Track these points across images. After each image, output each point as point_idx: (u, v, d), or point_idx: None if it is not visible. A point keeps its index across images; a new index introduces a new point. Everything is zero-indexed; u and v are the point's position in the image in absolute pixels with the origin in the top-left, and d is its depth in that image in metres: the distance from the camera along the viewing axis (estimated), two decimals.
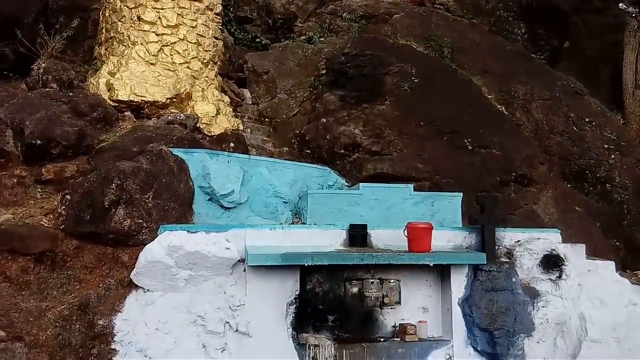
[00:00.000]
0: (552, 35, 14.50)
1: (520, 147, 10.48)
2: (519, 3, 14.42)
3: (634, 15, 12.74)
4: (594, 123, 11.47)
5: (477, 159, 10.07)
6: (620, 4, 13.02)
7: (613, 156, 10.91)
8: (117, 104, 9.34)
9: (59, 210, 6.74)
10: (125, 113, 9.40)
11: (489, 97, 11.85)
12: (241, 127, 10.76)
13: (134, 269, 6.40)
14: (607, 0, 14.26)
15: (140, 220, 6.71)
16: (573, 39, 14.24)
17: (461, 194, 8.57)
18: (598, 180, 10.69)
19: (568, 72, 13.36)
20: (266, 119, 11.73)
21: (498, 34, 14.42)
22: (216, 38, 11.00)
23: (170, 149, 7.78)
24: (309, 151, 10.59)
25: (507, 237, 7.54)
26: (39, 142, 7.51)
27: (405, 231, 6.86)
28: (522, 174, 10.13)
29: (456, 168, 9.82)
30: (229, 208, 8.11)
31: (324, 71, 11.94)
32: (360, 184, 8.63)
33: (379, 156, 9.92)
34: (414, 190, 8.53)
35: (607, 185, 10.60)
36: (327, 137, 10.29)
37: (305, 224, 8.02)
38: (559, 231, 7.90)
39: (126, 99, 9.39)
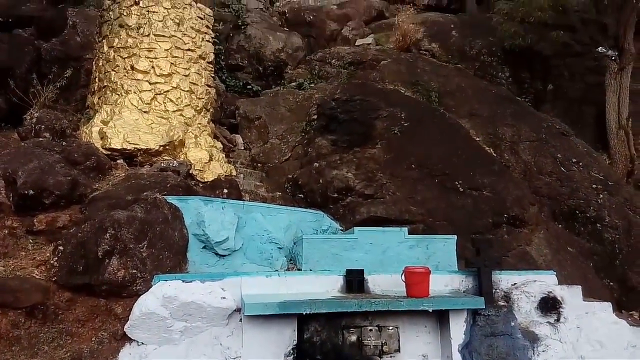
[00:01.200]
0: (535, 79, 14.92)
1: (511, 188, 10.61)
2: (502, 48, 14.89)
3: (613, 58, 13.19)
4: (581, 163, 11.68)
5: (469, 200, 10.15)
6: (600, 48, 13.50)
7: (601, 196, 11.06)
8: (110, 152, 9.35)
9: (51, 262, 6.63)
10: (118, 161, 9.40)
11: (477, 139, 12.06)
12: (234, 173, 10.80)
13: (128, 322, 6.25)
14: (586, 44, 14.79)
15: (135, 271, 6.61)
16: (556, 82, 14.65)
17: (455, 236, 8.59)
18: (588, 220, 10.79)
19: (553, 114, 13.69)
20: (259, 164, 11.80)
21: (483, 78, 14.80)
22: (209, 86, 11.15)
23: (164, 196, 7.75)
24: (302, 195, 10.62)
25: (504, 280, 7.52)
26: (31, 192, 7.44)
27: (403, 276, 6.83)
28: (513, 215, 10.21)
29: (449, 210, 9.89)
30: (224, 255, 8.04)
31: (315, 116, 12.11)
32: (355, 228, 8.63)
33: (372, 199, 9.97)
34: (409, 233, 8.55)
35: (598, 225, 10.70)
36: (320, 181, 10.35)
37: (301, 270, 7.96)
38: (554, 273, 7.91)
39: (119, 147, 9.41)
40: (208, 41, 11.25)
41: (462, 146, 11.24)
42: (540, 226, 10.56)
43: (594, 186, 11.24)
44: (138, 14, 10.32)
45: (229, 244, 7.97)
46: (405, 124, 11.30)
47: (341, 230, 9.45)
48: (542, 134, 12.23)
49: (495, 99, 13.46)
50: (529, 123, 12.59)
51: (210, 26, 11.49)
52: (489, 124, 12.47)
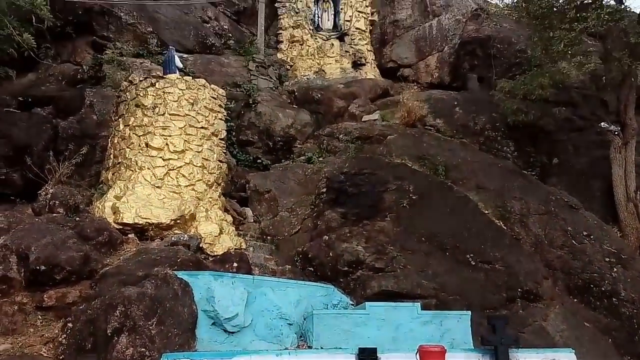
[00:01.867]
0: (540, 153, 15.15)
1: (523, 262, 10.50)
2: (506, 124, 15.24)
3: (616, 133, 13.46)
4: (592, 236, 11.61)
5: (481, 274, 10.04)
6: (602, 123, 13.80)
7: (615, 269, 10.89)
8: (121, 227, 9.43)
9: (60, 339, 6.53)
10: (130, 235, 9.46)
11: (486, 212, 12.08)
12: (244, 246, 10.81)
13: None
14: (589, 119, 15.14)
15: (143, 349, 6.48)
16: (561, 156, 14.86)
17: (469, 312, 8.43)
18: (603, 294, 10.58)
19: (560, 187, 13.77)
20: (268, 237, 11.81)
21: (488, 152, 15.04)
22: (220, 161, 11.41)
23: (175, 272, 7.73)
24: (312, 269, 10.54)
25: (521, 358, 7.28)
26: (43, 267, 7.46)
27: (418, 355, 6.64)
28: (527, 289, 10.05)
29: (461, 284, 9.75)
30: (233, 332, 7.88)
31: (324, 189, 12.25)
32: (367, 303, 8.49)
33: (383, 273, 9.87)
34: (421, 308, 8.39)
35: (614, 299, 10.47)
36: (330, 254, 10.31)
37: (312, 347, 7.76)
38: (573, 351, 7.67)
39: (131, 222, 9.51)
40: (220, 119, 11.64)
41: (471, 219, 11.25)
42: (555, 301, 10.35)
43: (607, 259, 11.10)
44: (154, 94, 10.77)
45: (238, 320, 7.84)
46: (414, 197, 11.39)
47: (352, 304, 9.29)
48: (551, 207, 12.25)
49: (501, 172, 13.61)
50: (537, 196, 12.65)
51: (223, 105, 11.93)
52: (497, 197, 12.53)
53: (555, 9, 13.47)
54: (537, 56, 14.79)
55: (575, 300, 10.71)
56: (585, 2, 13.21)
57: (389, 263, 9.95)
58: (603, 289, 10.65)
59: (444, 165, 13.45)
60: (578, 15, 12.85)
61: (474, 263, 10.20)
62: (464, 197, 12.20)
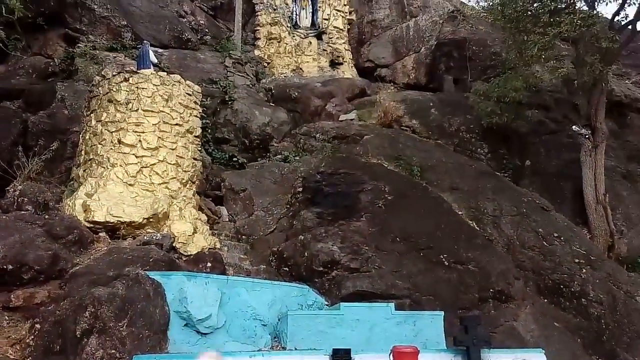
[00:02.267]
0: (513, 155, 15.39)
1: (495, 262, 10.65)
2: (480, 126, 15.43)
3: (587, 136, 13.74)
4: (562, 238, 11.83)
5: (455, 275, 10.14)
6: (574, 127, 14.07)
7: (584, 270, 11.13)
8: (92, 225, 9.22)
9: (27, 341, 6.36)
10: (101, 234, 9.26)
11: (460, 213, 12.21)
12: (218, 245, 10.69)
13: None
14: (560, 122, 15.43)
15: (114, 351, 6.35)
16: (533, 158, 15.12)
17: (442, 312, 8.50)
18: (573, 295, 10.79)
19: (532, 189, 14.01)
20: (243, 236, 11.71)
21: (462, 154, 15.23)
22: (195, 159, 11.26)
23: (147, 272, 7.59)
24: (287, 269, 10.49)
25: (493, 358, 7.38)
26: (10, 267, 7.24)
27: (391, 356, 6.66)
28: (499, 290, 10.19)
29: (435, 285, 9.83)
30: (206, 334, 7.77)
31: (300, 189, 12.20)
32: (341, 303, 8.49)
33: (358, 273, 9.89)
34: (395, 308, 8.44)
35: (583, 300, 10.70)
36: (305, 254, 10.28)
37: (286, 348, 7.72)
38: (543, 351, 7.82)
39: (102, 220, 9.30)
40: (196, 116, 11.48)
41: (445, 220, 11.36)
42: (526, 301, 10.52)
43: (576, 261, 11.34)
44: (127, 89, 10.56)
45: (211, 321, 7.75)
46: (389, 198, 11.43)
47: (327, 305, 9.28)
48: (523, 209, 12.46)
49: (475, 173, 13.79)
50: (510, 197, 12.85)
51: (198, 102, 11.77)
52: (471, 198, 12.69)
53: (529, 13, 13.67)
54: (511, 59, 15.00)
55: (545, 300, 10.91)
56: (558, 7, 13.44)
57: (364, 263, 9.98)
58: (572, 289, 10.87)
59: (419, 165, 13.56)
60: (552, 19, 13.07)
61: (447, 263, 10.29)
62: (439, 198, 12.32)
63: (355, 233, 10.56)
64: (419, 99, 17.37)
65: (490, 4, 15.95)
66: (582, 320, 10.45)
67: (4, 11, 13.11)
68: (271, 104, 16.98)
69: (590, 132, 13.80)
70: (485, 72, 18.07)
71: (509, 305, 10.14)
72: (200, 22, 19.86)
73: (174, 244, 9.82)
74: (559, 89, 15.95)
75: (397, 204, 11.34)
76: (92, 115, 10.92)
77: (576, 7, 13.78)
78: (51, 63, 14.72)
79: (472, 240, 11.12)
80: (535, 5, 13.77)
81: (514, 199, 12.86)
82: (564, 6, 13.62)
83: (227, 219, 12.23)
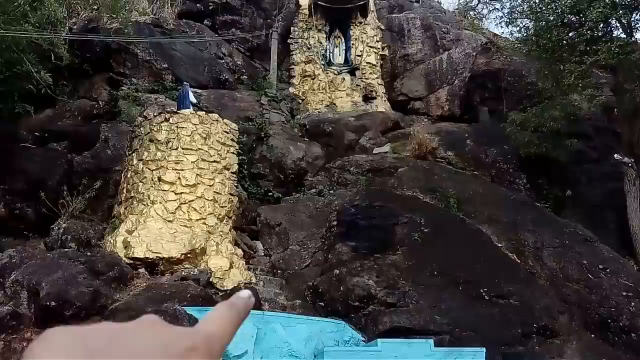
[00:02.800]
0: (553, 185, 15.02)
1: (538, 296, 10.29)
2: (518, 156, 15.19)
3: (630, 165, 13.31)
4: (608, 270, 11.37)
5: (496, 309, 9.84)
6: (616, 155, 13.68)
7: (633, 304, 10.61)
8: (132, 261, 9.46)
9: None
10: (140, 270, 9.47)
11: (499, 245, 11.93)
12: (254, 280, 10.75)
13: None
14: (601, 151, 15.03)
15: None
16: (574, 188, 14.71)
17: (484, 349, 8.23)
18: (622, 329, 10.28)
19: (574, 220, 13.58)
20: (278, 271, 11.73)
21: (500, 185, 14.96)
22: (231, 194, 11.47)
23: (184, 307, 7.69)
24: (322, 304, 10.41)
25: None
26: (53, 303, 7.46)
27: None
28: (543, 325, 9.81)
29: (475, 320, 9.56)
30: None
31: (335, 222, 12.20)
32: (378, 339, 8.35)
33: (395, 308, 9.72)
34: (435, 345, 8.23)
35: (632, 334, 10.17)
36: (341, 288, 10.19)
37: None
38: None
39: (142, 256, 9.53)
40: (232, 153, 11.75)
41: (484, 253, 11.11)
42: (572, 336, 10.08)
43: (624, 293, 10.84)
44: (168, 129, 10.94)
45: (247, 357, 7.75)
46: (426, 230, 11.29)
47: (363, 341, 9.13)
48: (566, 240, 12.07)
49: (514, 204, 13.49)
50: (551, 229, 12.48)
51: (235, 139, 12.07)
52: (510, 230, 12.39)
53: (565, 42, 13.57)
54: (548, 89, 14.83)
55: (592, 335, 10.42)
56: (595, 35, 13.29)
57: (401, 298, 9.82)
58: (621, 324, 10.36)
59: (455, 197, 13.38)
60: (588, 48, 12.93)
61: (487, 298, 10.01)
62: (477, 230, 12.08)
63: (392, 267, 10.44)
64: (453, 130, 17.28)
65: (525, 35, 15.93)
66: (632, 356, 9.91)
67: (52, 58, 13.89)
68: (305, 139, 17.20)
69: (633, 160, 13.38)
70: (521, 102, 17.88)
71: (554, 341, 9.73)
72: (238, 62, 20.52)
73: (210, 279, 9.93)
74: (599, 117, 15.62)
75: (434, 237, 11.19)
76: (134, 154, 11.32)
77: (613, 35, 13.60)
78: (96, 106, 15.40)
79: (513, 274, 10.81)
80: (571, 34, 13.68)
81: (555, 230, 12.48)
82: (600, 34, 13.46)
83: (263, 254, 12.31)
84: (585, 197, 14.48)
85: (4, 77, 12.62)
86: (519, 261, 11.60)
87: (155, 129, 11.01)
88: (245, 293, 0.51)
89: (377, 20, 22.18)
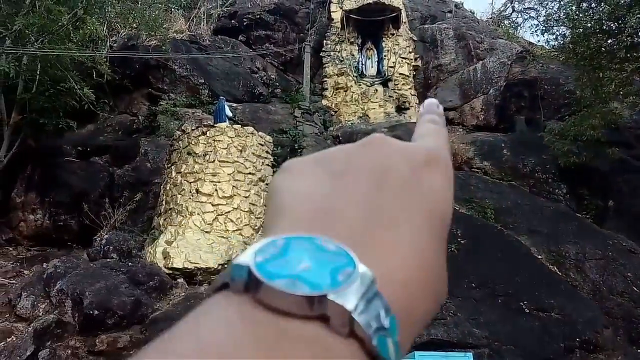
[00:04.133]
0: (594, 195, 14.61)
1: (581, 309, 9.99)
2: (557, 165, 14.85)
3: None
4: None
5: (537, 323, 9.60)
6: None
7: None
8: (171, 272, 9.64)
9: None
10: (179, 280, 9.64)
11: (539, 257, 11.66)
12: None
13: None
14: None
15: None
16: (617, 198, 14.26)
17: None
18: None
19: (617, 231, 13.16)
20: None
21: (539, 195, 14.64)
22: (266, 206, 11.57)
23: None
24: None
25: None
26: (96, 312, 7.67)
27: None
28: (586, 339, 9.51)
29: (515, 333, 9.34)
30: None
31: None
32: (415, 352, 8.23)
33: (432, 320, 9.59)
34: (473, 358, 8.07)
35: None
36: None
37: None
38: None
39: (181, 267, 9.71)
40: (267, 165, 11.89)
41: (524, 264, 10.88)
42: (617, 351, 9.73)
43: None
44: (205, 142, 11.18)
45: None
46: (462, 242, 11.14)
47: None
48: (609, 252, 11.71)
49: (554, 215, 13.18)
50: (593, 240, 12.14)
51: (270, 151, 12.22)
52: (551, 241, 12.10)
53: (604, 50, 13.27)
54: (587, 97, 14.49)
55: (638, 350, 10.04)
56: (635, 41, 12.97)
57: (439, 310, 9.67)
58: None
59: (492, 208, 13.17)
60: (629, 55, 12.61)
61: (528, 311, 9.78)
62: (515, 242, 11.85)
63: None
64: (489, 140, 17.05)
65: (562, 42, 15.65)
66: None
67: (94, 75, 14.41)
68: None
69: None
70: (559, 111, 17.52)
71: (598, 356, 9.41)
72: (271, 76, 20.83)
73: None
74: None
75: (471, 248, 11.02)
76: (172, 167, 11.59)
77: None
78: (136, 120, 15.87)
79: (554, 286, 10.54)
80: (609, 41, 13.37)
81: (598, 241, 12.13)
82: None
83: None
84: (628, 208, 14.02)
85: (49, 94, 13.16)
86: (560, 273, 11.31)
87: (193, 143, 11.26)
88: (432, 100, 0.51)
89: (409, 32, 22.18)
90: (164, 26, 17.62)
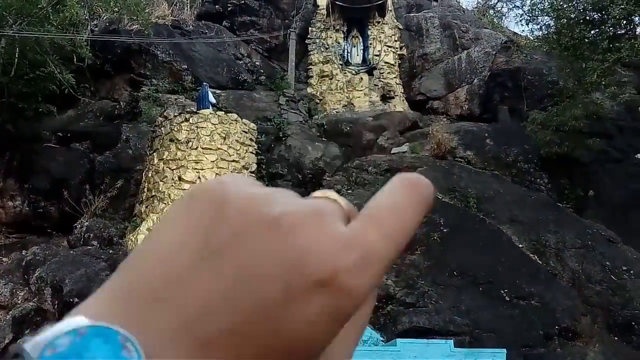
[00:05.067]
0: (575, 185, 14.80)
1: (560, 297, 10.16)
2: (539, 155, 14.99)
3: None
4: (632, 271, 11.17)
5: (517, 310, 9.74)
6: (638, 155, 13.46)
7: None
8: None
9: None
10: None
11: (520, 246, 11.80)
12: None
13: None
14: (625, 150, 14.78)
15: None
16: (597, 188, 14.47)
17: (505, 350, 8.12)
18: None
19: (597, 220, 13.37)
20: None
21: (521, 185, 14.79)
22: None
23: None
24: None
25: None
26: (76, 300, 7.57)
27: None
28: (565, 326, 9.69)
29: (496, 321, 9.47)
30: None
31: None
32: (397, 339, 8.31)
33: (414, 308, 9.68)
34: (454, 345, 8.16)
35: None
36: None
37: None
38: None
39: None
40: (251, 152, 11.82)
41: (505, 253, 11.01)
42: (594, 339, 9.93)
43: None
44: (188, 129, 11.05)
45: None
46: (445, 230, 11.22)
47: (382, 341, 9.09)
48: (588, 241, 11.89)
49: (535, 205, 13.34)
50: (573, 229, 12.32)
51: (254, 138, 12.14)
52: (531, 230, 12.25)
53: (587, 40, 13.37)
54: (569, 87, 14.63)
55: (616, 338, 10.25)
56: (618, 32, 13.08)
57: (420, 298, 9.77)
58: None
59: (475, 197, 13.27)
60: (611, 45, 12.72)
61: (508, 299, 9.92)
62: (497, 230, 11.97)
63: (411, 266, 10.39)
64: (473, 129, 17.14)
65: (546, 33, 15.73)
66: None
67: (75, 60, 14.13)
68: (323, 139, 17.22)
69: None
70: (542, 101, 17.65)
71: (576, 343, 9.60)
72: (256, 63, 20.63)
73: None
74: (622, 116, 15.35)
75: (453, 237, 11.11)
76: (154, 154, 11.45)
77: (637, 32, 13.37)
78: (117, 106, 15.62)
79: (534, 275, 10.70)
80: (592, 32, 13.47)
81: (577, 231, 12.32)
82: (623, 32, 13.25)
83: None
84: (608, 198, 14.25)
85: (28, 79, 12.88)
86: (540, 262, 11.46)
87: (176, 129, 11.13)
88: (421, 179, 0.33)
89: (395, 20, 22.11)
90: (147, 10, 17.30)
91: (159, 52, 17.33)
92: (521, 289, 10.13)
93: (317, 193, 0.34)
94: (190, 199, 0.32)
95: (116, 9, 16.19)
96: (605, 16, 13.11)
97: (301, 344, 0.28)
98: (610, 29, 12.91)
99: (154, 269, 0.29)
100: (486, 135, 16.57)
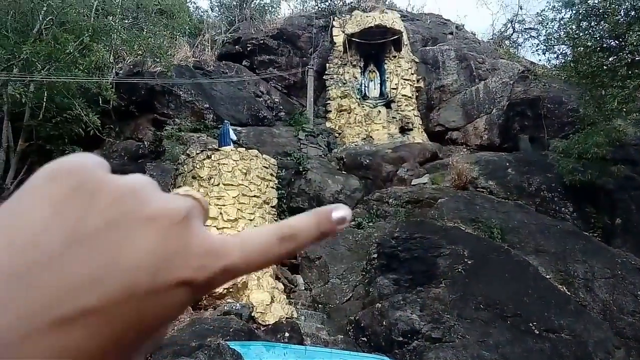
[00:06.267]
0: (601, 213, 14.50)
1: (591, 330, 9.85)
2: (563, 184, 14.78)
3: None
4: None
5: (547, 344, 9.45)
6: None
7: None
8: None
9: None
10: None
11: (547, 277, 11.53)
12: (295, 315, 10.69)
13: None
14: None
15: None
16: (624, 216, 14.15)
17: None
18: None
19: (625, 249, 13.03)
20: (319, 305, 11.65)
21: (545, 214, 14.55)
22: None
23: (227, 342, 7.70)
24: (365, 339, 10.25)
25: None
26: None
27: None
28: None
29: (525, 355, 9.20)
30: None
31: (375, 255, 12.10)
32: None
33: (440, 343, 9.47)
34: None
35: None
36: (384, 323, 10.03)
37: None
38: None
39: None
40: (272, 187, 11.92)
41: (532, 285, 10.76)
42: None
43: None
44: (210, 166, 11.23)
45: None
46: (469, 262, 11.05)
47: None
48: (618, 270, 11.57)
49: (561, 234, 13.08)
50: (602, 259, 12.01)
51: (274, 173, 12.26)
52: (559, 260, 11.98)
53: (605, 67, 13.33)
54: (590, 115, 14.51)
55: None
56: (636, 59, 13.02)
57: (447, 333, 9.57)
58: None
59: (499, 228, 13.09)
60: (630, 72, 12.65)
61: (537, 332, 9.65)
62: (523, 261, 11.74)
63: (435, 300, 10.22)
64: (494, 159, 17.04)
65: (563, 61, 15.74)
66: None
67: (100, 102, 14.57)
68: (343, 172, 17.31)
69: None
70: (562, 129, 17.54)
71: None
72: (275, 100, 21.02)
73: (252, 314, 9.95)
74: None
75: (478, 269, 10.93)
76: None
77: None
78: (141, 146, 15.97)
79: (563, 306, 10.41)
80: (610, 59, 13.44)
81: (606, 260, 12.00)
82: None
83: (303, 288, 12.27)
84: (635, 225, 13.91)
85: (56, 121, 13.29)
86: (569, 293, 11.17)
87: (198, 166, 11.32)
88: (341, 212, 0.38)
89: (411, 54, 22.41)
90: (169, 53, 17.87)
91: (181, 92, 17.80)
92: (551, 322, 9.85)
93: (181, 191, 0.38)
94: (52, 181, 0.33)
95: (140, 52, 16.75)
96: (623, 43, 13.09)
97: (157, 322, 0.32)
98: (629, 55, 12.86)
99: (17, 251, 0.30)
100: (507, 164, 16.44)
